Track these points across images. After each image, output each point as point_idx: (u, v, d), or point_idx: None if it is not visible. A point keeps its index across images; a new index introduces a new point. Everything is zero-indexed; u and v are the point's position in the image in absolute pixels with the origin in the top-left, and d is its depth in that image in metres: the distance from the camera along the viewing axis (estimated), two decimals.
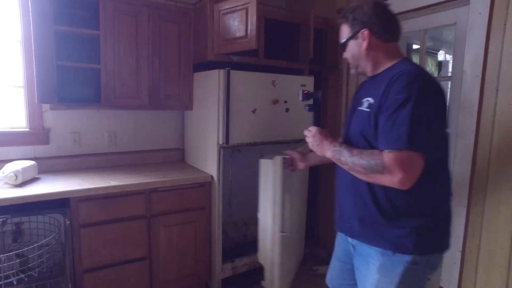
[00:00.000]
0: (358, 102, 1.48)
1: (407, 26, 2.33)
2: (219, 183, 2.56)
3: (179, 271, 2.54)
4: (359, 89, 1.62)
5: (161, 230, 2.43)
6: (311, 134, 1.56)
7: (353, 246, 1.53)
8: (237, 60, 2.60)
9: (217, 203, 2.58)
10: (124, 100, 2.53)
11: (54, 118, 2.58)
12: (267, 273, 2.26)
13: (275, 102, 2.67)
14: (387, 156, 1.25)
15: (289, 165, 2.01)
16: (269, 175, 2.11)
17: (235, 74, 2.43)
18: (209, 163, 2.66)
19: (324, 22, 3.05)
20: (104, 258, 2.21)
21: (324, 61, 3.13)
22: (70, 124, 2.64)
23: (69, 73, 2.52)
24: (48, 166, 2.54)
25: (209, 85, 2.56)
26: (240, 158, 3.32)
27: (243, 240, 3.19)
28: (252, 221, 3.38)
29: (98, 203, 2.16)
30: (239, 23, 2.31)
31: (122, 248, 2.26)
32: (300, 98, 1.73)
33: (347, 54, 1.52)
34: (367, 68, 1.49)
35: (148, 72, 2.58)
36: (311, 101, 1.72)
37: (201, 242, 2.61)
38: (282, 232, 2.17)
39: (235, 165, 3.30)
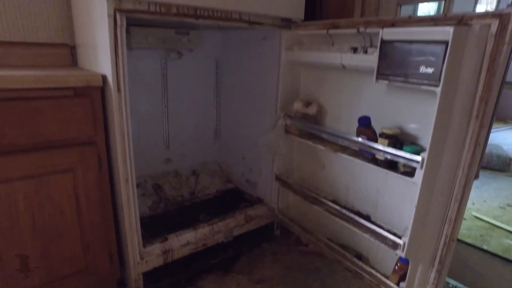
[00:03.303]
0: None
1: None
2: (119, 89, 1.12)
3: (49, 271, 1.17)
4: None
5: None
6: None
7: None
8: None
9: (119, 131, 1.16)
10: None
11: None
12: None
13: None
14: None
15: None
16: None
17: None
18: (99, 52, 1.19)
19: None
20: None
21: None
22: None
23: None
24: None
25: None
26: (183, 64, 1.86)
27: (190, 200, 1.84)
28: (206, 170, 2.01)
29: None
30: None
31: None
32: None
33: None
34: None
35: None
36: None
37: (92, 210, 1.23)
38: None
39: (176, 74, 1.85)
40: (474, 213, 2.17)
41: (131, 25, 1.54)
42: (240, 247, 1.63)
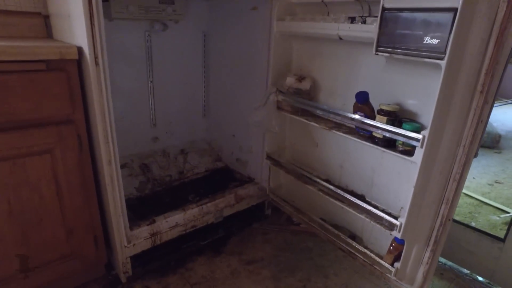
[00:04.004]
0: None
1: None
2: (96, 63, 1.02)
3: (30, 257, 1.10)
4: None
5: None
6: None
7: None
8: None
9: (99, 108, 1.07)
10: None
11: None
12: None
13: None
14: None
15: None
16: None
17: None
18: (74, 22, 1.07)
19: None
20: None
21: None
22: None
23: None
24: None
25: None
26: (169, 37, 1.74)
27: (178, 180, 1.78)
28: (195, 149, 1.95)
29: None
30: None
31: None
32: None
33: None
34: None
35: None
36: None
37: (74, 193, 1.15)
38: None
39: (161, 47, 1.73)
40: (464, 190, 2.17)
41: None
42: (231, 227, 1.60)
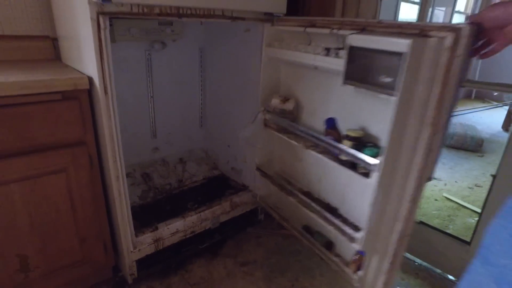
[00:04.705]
0: None
1: None
2: (106, 92, 1.17)
3: (47, 265, 1.26)
4: None
5: None
6: None
7: None
8: None
9: (108, 132, 1.22)
10: None
11: None
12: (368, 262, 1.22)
13: None
14: None
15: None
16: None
17: None
18: (84, 53, 1.22)
19: None
20: None
21: None
22: None
23: None
24: None
25: None
26: (167, 54, 1.89)
27: (178, 188, 1.94)
28: (193, 158, 2.10)
29: None
30: None
31: None
32: None
33: None
34: None
35: None
36: None
37: (86, 206, 1.31)
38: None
39: (161, 64, 1.88)
40: (445, 194, 2.34)
41: (113, 17, 1.55)
42: (227, 231, 1.76)
